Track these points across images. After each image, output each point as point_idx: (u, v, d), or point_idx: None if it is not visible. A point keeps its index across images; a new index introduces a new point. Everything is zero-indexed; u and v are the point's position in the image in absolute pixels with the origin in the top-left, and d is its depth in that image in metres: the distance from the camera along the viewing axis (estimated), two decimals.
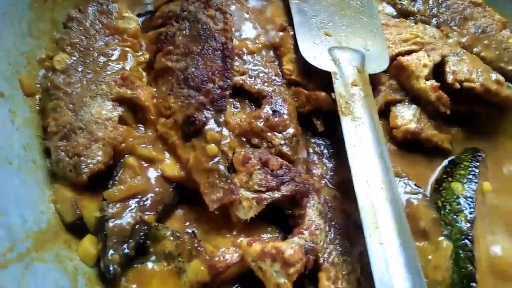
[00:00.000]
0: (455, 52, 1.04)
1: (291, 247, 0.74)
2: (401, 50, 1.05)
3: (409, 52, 1.05)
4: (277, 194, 0.79)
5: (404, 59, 1.03)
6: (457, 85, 0.99)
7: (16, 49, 0.86)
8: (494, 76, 1.02)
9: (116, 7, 0.99)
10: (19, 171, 0.77)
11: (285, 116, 0.94)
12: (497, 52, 1.12)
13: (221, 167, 0.81)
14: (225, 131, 0.90)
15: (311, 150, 0.97)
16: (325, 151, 0.96)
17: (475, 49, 1.11)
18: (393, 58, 1.04)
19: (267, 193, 0.79)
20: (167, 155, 0.85)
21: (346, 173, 0.86)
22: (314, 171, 0.93)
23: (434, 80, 1.01)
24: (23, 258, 0.69)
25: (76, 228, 0.79)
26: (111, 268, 0.73)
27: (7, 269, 0.65)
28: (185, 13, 0.98)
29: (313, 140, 0.99)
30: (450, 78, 0.99)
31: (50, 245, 0.76)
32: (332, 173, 0.92)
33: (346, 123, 0.87)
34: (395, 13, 1.20)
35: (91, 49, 0.91)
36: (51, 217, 0.78)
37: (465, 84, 0.99)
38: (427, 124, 1.01)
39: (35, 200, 0.78)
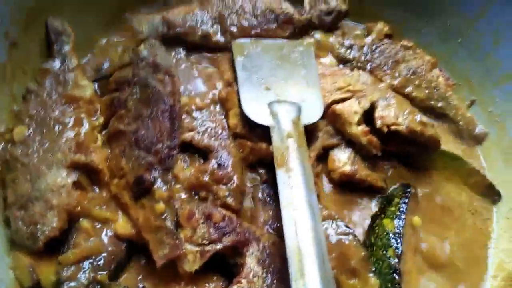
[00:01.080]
0: (384, 97, 1.11)
1: None
2: (335, 98, 1.12)
3: (342, 100, 1.12)
4: (219, 246, 0.85)
5: (338, 107, 1.10)
6: (385, 129, 1.06)
7: None
8: (419, 117, 1.09)
9: (72, 77, 1.03)
10: None
11: (229, 169, 0.99)
12: (427, 91, 1.20)
13: (168, 223, 0.86)
14: (177, 186, 0.95)
15: (258, 197, 1.01)
16: (268, 198, 1.01)
17: (407, 90, 1.19)
18: (328, 106, 1.11)
19: (210, 245, 0.85)
20: (119, 214, 0.90)
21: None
22: (258, 218, 0.97)
23: (365, 125, 1.08)
24: None
25: None
26: None
27: None
28: (135, 78, 1.03)
29: (260, 188, 1.03)
30: (378, 123, 1.07)
31: None
32: (274, 219, 0.97)
33: (280, 175, 0.92)
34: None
35: (48, 119, 0.96)
36: (10, 284, 0.81)
37: (393, 127, 1.06)
38: (361, 165, 1.07)
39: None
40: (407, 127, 1.06)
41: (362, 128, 1.07)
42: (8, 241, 0.86)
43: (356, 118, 1.08)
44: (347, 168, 1.05)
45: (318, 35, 1.24)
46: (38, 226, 0.83)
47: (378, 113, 1.08)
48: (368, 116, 1.09)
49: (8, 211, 0.86)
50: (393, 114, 1.08)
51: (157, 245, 0.83)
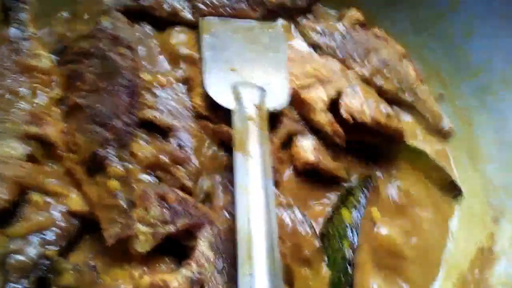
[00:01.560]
0: (351, 86, 1.17)
1: (176, 280, 0.84)
2: (302, 83, 1.17)
3: (309, 86, 1.17)
4: (172, 228, 0.89)
5: (304, 94, 1.14)
6: (350, 119, 1.12)
7: None
8: (384, 109, 1.15)
9: (28, 45, 1.05)
10: None
11: (189, 150, 1.03)
12: (397, 82, 1.27)
13: (121, 202, 0.89)
14: (134, 164, 0.99)
15: (218, 181, 1.05)
16: (228, 183, 1.04)
17: (377, 81, 1.25)
18: (295, 91, 1.16)
19: (163, 226, 0.89)
20: (73, 190, 0.92)
21: None
22: (216, 202, 1.02)
23: (330, 114, 1.13)
24: None
25: None
26: None
27: None
28: (94, 50, 1.05)
29: (222, 173, 1.07)
30: (343, 112, 1.12)
31: None
32: (232, 204, 1.00)
33: (237, 158, 0.96)
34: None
35: (0, 87, 0.98)
36: None
37: (358, 118, 1.12)
38: (325, 155, 1.13)
39: None
40: (372, 118, 1.11)
41: (328, 116, 1.12)
42: None
43: (322, 105, 1.13)
44: (311, 157, 1.10)
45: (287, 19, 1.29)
46: None
47: (343, 102, 1.13)
48: (334, 105, 1.15)
49: None
50: (359, 103, 1.13)
51: (109, 223, 0.86)
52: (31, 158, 0.94)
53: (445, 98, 1.33)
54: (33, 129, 0.95)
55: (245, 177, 0.92)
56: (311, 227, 1.00)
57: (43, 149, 0.96)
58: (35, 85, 1.02)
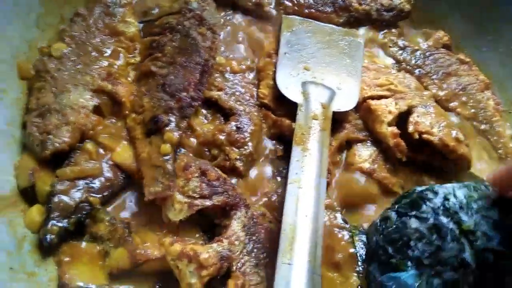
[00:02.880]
0: (424, 105, 1.07)
1: (207, 252, 0.79)
2: (373, 93, 1.09)
3: (380, 97, 1.08)
4: (208, 202, 0.85)
5: (373, 103, 1.06)
6: (416, 136, 1.02)
7: (21, 37, 0.95)
8: (455, 133, 1.03)
9: (121, 11, 1.08)
10: None
11: (246, 134, 0.99)
12: (473, 111, 1.14)
13: (169, 166, 0.87)
14: (190, 138, 0.97)
15: (267, 169, 1.00)
16: (277, 173, 1.00)
17: (451, 104, 1.14)
18: (364, 100, 1.08)
19: (199, 200, 0.85)
20: (120, 145, 0.92)
21: (283, 197, 0.90)
22: (260, 189, 0.96)
23: (395, 127, 1.04)
24: None
25: (27, 195, 0.86)
26: (48, 237, 0.80)
27: None
28: (179, 26, 1.05)
29: (273, 161, 1.02)
30: (410, 127, 1.02)
31: (8, 210, 0.84)
32: (275, 194, 0.96)
33: (295, 152, 0.92)
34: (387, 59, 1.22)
35: (88, 43, 1.00)
36: (15, 187, 0.86)
37: (425, 136, 1.02)
38: (381, 166, 1.04)
39: (4, 168, 0.87)
40: (440, 139, 1.01)
41: (392, 129, 1.03)
42: (21, 146, 0.90)
43: (390, 118, 1.04)
44: (366, 165, 1.02)
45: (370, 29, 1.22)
46: (50, 136, 0.86)
47: (413, 118, 1.04)
48: (401, 121, 1.05)
49: (27, 116, 0.90)
50: (429, 123, 1.03)
51: (152, 181, 0.84)
52: (97, 111, 0.94)
53: None
54: (107, 86, 0.96)
55: (299, 172, 0.87)
56: (349, 232, 0.91)
57: (111, 105, 0.97)
58: (119, 48, 1.04)
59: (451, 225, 0.81)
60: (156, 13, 1.11)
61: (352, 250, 0.88)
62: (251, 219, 0.86)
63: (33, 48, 0.98)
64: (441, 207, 0.84)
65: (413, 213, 0.85)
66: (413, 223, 0.84)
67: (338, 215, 0.93)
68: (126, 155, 0.90)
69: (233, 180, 0.95)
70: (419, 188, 0.89)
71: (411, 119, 1.04)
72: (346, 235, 0.90)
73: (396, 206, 0.89)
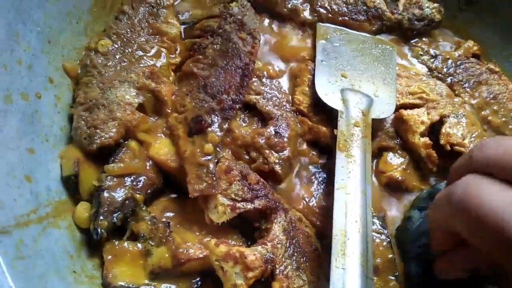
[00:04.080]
0: (456, 114, 1.05)
1: (253, 254, 0.77)
2: (405, 101, 1.07)
3: (412, 106, 1.06)
4: (250, 206, 0.82)
5: (405, 113, 1.04)
6: (448, 148, 1.00)
7: (71, 44, 0.93)
8: None
9: (164, 12, 1.05)
10: (53, 148, 0.84)
11: (285, 139, 0.97)
12: (504, 119, 1.12)
13: (211, 165, 0.85)
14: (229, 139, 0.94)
15: (303, 175, 0.98)
16: (313, 178, 0.98)
17: (483, 112, 1.12)
18: (396, 109, 1.06)
19: (242, 203, 0.82)
20: (159, 140, 0.90)
21: (321, 202, 0.92)
22: (296, 194, 0.94)
23: (427, 138, 1.02)
24: (42, 221, 0.75)
25: (69, 184, 0.84)
26: (99, 230, 0.78)
27: (28, 228, 0.71)
28: (220, 30, 1.03)
29: (308, 168, 1.00)
30: (442, 140, 1.01)
31: (66, 214, 0.82)
32: (312, 198, 0.94)
33: (340, 159, 0.90)
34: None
35: (133, 42, 0.98)
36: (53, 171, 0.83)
37: (456, 148, 1.00)
38: (412, 175, 1.02)
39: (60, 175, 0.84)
40: None
41: (425, 140, 1.01)
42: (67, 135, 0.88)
43: (422, 128, 1.02)
44: (397, 174, 1.00)
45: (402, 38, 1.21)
46: (97, 131, 0.84)
47: (445, 129, 1.02)
48: (433, 128, 1.04)
49: (74, 109, 0.87)
50: (461, 134, 1.01)
51: (196, 178, 0.82)
52: (141, 109, 0.92)
53: None
54: (150, 84, 0.93)
55: (346, 178, 0.85)
56: (387, 237, 0.90)
57: (154, 104, 0.94)
58: (161, 48, 1.01)
59: None
60: (197, 16, 1.09)
61: (390, 255, 0.87)
62: (290, 223, 0.84)
63: (82, 55, 0.96)
64: None
65: None
66: None
67: (376, 220, 0.91)
68: (163, 151, 0.87)
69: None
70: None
71: (443, 130, 1.02)
72: (384, 240, 0.88)
73: (415, 205, 0.92)
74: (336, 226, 0.78)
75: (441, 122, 1.03)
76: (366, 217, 0.81)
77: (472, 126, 1.03)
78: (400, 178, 0.99)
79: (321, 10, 1.17)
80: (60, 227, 0.78)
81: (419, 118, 1.03)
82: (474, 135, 1.01)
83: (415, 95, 1.07)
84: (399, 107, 1.06)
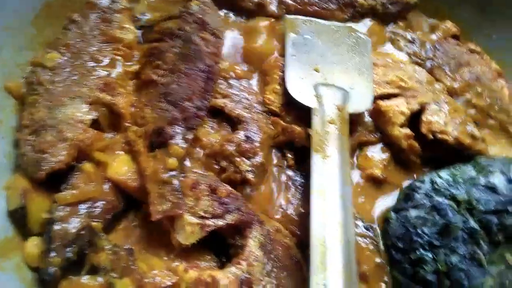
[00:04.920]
0: (437, 101, 0.97)
1: (227, 277, 0.68)
2: (383, 92, 0.98)
3: (390, 96, 0.98)
4: (221, 222, 0.74)
5: (383, 104, 0.96)
6: (430, 136, 0.93)
7: (13, 60, 0.85)
8: (470, 129, 0.95)
9: (118, 17, 0.96)
10: None
11: (257, 144, 0.88)
12: (489, 101, 1.04)
13: (175, 182, 0.76)
14: (197, 150, 0.85)
15: (280, 180, 0.89)
16: (290, 183, 0.89)
17: (467, 95, 1.04)
18: (374, 100, 0.97)
19: (212, 220, 0.74)
20: (117, 159, 0.80)
21: (300, 209, 0.83)
22: (274, 201, 0.86)
23: (408, 129, 0.94)
24: None
25: (16, 218, 0.75)
26: (50, 270, 0.69)
27: None
28: (180, 32, 0.94)
29: (284, 171, 0.91)
30: (424, 128, 0.93)
31: (14, 253, 0.73)
32: (290, 205, 0.85)
33: (316, 161, 0.82)
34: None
35: (84, 52, 0.89)
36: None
37: (439, 136, 0.93)
38: (393, 170, 0.95)
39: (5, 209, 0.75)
40: (455, 138, 0.92)
41: (406, 131, 0.93)
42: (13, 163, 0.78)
43: (402, 119, 0.94)
44: (377, 171, 0.92)
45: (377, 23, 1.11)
46: (45, 155, 0.75)
47: (426, 117, 0.94)
48: (414, 117, 0.95)
49: (20, 133, 0.78)
50: (443, 121, 0.93)
51: (158, 198, 0.73)
52: (96, 125, 0.83)
53: None
54: (106, 97, 0.84)
55: (323, 182, 0.78)
56: (373, 240, 0.83)
57: (110, 118, 0.85)
58: (117, 56, 0.92)
59: (446, 201, 0.83)
60: (155, 18, 0.99)
61: (378, 259, 0.80)
62: (267, 237, 0.76)
63: (26, 72, 0.87)
64: (432, 190, 0.86)
65: (409, 204, 0.86)
66: (413, 213, 0.84)
67: (360, 223, 0.83)
68: (122, 170, 0.78)
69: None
70: (405, 184, 0.91)
71: (423, 118, 0.94)
72: (370, 244, 0.80)
73: (392, 207, 0.88)
74: (314, 236, 0.71)
75: (421, 110, 0.95)
76: (347, 223, 0.73)
77: (454, 112, 0.95)
78: (381, 175, 0.92)
79: (289, 1, 1.08)
80: (5, 269, 0.68)
81: (398, 108, 0.95)
82: (457, 122, 0.93)
83: (393, 84, 0.98)
84: (377, 98, 0.97)
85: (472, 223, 0.80)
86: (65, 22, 0.91)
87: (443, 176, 0.87)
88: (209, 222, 0.73)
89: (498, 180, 0.84)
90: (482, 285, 0.78)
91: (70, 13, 0.92)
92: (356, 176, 0.93)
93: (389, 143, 0.96)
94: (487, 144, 0.97)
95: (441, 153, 0.95)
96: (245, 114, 0.92)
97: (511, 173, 0.85)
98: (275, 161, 0.91)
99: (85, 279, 0.69)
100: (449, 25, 1.12)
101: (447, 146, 0.93)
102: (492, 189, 0.83)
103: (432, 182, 0.87)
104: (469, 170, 0.88)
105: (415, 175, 0.95)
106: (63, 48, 0.87)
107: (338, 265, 0.68)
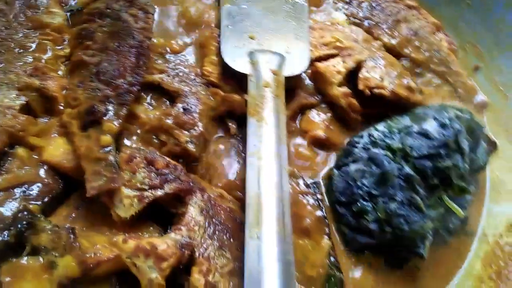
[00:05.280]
0: (373, 57, 0.98)
1: (165, 242, 0.69)
2: (320, 53, 1.00)
3: (327, 57, 0.99)
4: (159, 192, 0.74)
5: (320, 65, 0.97)
6: (368, 92, 0.94)
7: None
8: (406, 81, 0.96)
9: (44, 3, 0.94)
10: None
11: (195, 115, 0.88)
12: (428, 54, 1.06)
13: (111, 157, 0.75)
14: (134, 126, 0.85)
15: (221, 149, 0.90)
16: (233, 152, 0.89)
17: (405, 50, 1.05)
18: (312, 62, 0.98)
19: (150, 191, 0.74)
20: (53, 142, 0.79)
21: (242, 174, 0.82)
22: (216, 169, 0.86)
23: (346, 87, 0.95)
24: None
25: None
26: None
27: None
28: (108, 10, 0.93)
29: (227, 140, 0.91)
30: (360, 84, 0.94)
31: None
32: (232, 173, 0.86)
33: (251, 124, 0.83)
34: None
35: (9, 39, 0.87)
36: None
37: (376, 90, 0.94)
38: (336, 129, 0.96)
39: None
40: (391, 91, 0.93)
41: (344, 90, 0.95)
42: None
43: (339, 78, 0.95)
44: (320, 133, 0.94)
45: None
46: None
47: (362, 74, 0.95)
48: (353, 76, 0.97)
49: None
50: (379, 76, 0.95)
51: (93, 175, 0.72)
52: (28, 111, 0.81)
53: (482, 70, 1.10)
54: (35, 82, 0.83)
55: (258, 143, 0.79)
56: (314, 195, 0.83)
57: (43, 103, 0.84)
58: (45, 41, 0.91)
59: (382, 151, 0.85)
60: (84, 1, 0.98)
61: (319, 213, 0.81)
62: (208, 202, 0.76)
63: None
64: (369, 143, 0.88)
65: (349, 159, 0.88)
66: (352, 167, 0.86)
67: (300, 181, 0.85)
68: (58, 152, 0.77)
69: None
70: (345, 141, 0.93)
71: (360, 75, 0.96)
72: (310, 199, 0.82)
73: (334, 164, 0.91)
74: (250, 193, 0.73)
75: (358, 68, 0.96)
76: (282, 180, 0.74)
77: (391, 66, 0.96)
78: (324, 135, 0.93)
79: None
80: None
81: (335, 68, 0.96)
82: (393, 75, 0.95)
83: (329, 45, 1.00)
84: (314, 60, 0.98)
85: (407, 170, 0.82)
86: None
87: (379, 128, 0.89)
88: (147, 193, 0.73)
89: (430, 125, 0.86)
90: (422, 228, 0.80)
91: None
92: (300, 140, 0.95)
93: (330, 103, 0.97)
94: (425, 94, 0.99)
95: (382, 108, 0.97)
96: (183, 88, 0.92)
97: (444, 118, 0.87)
98: (218, 132, 0.92)
99: (25, 260, 0.69)
100: None
101: (385, 100, 0.94)
102: (425, 135, 0.85)
103: (370, 136, 0.88)
104: (404, 121, 0.89)
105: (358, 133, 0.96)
106: None
107: (272, 221, 0.69)
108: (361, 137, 0.90)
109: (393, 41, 1.05)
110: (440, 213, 0.83)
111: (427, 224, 0.80)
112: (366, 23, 1.08)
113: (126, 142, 0.83)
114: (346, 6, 1.11)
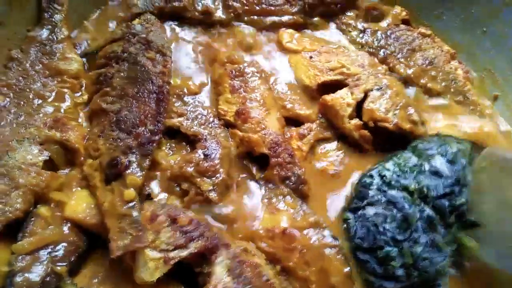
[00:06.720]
0: (379, 85, 0.97)
1: None
2: (326, 79, 0.99)
3: (334, 82, 0.98)
4: (185, 252, 0.73)
5: (328, 98, 0.96)
6: (372, 124, 0.93)
7: None
8: (410, 113, 0.95)
9: (60, 48, 0.93)
10: None
11: (216, 161, 0.87)
12: (444, 84, 1.05)
13: (135, 213, 0.75)
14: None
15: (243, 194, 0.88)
16: (253, 196, 0.88)
17: (422, 81, 1.04)
18: (319, 87, 0.99)
19: (175, 251, 0.72)
20: (74, 197, 0.79)
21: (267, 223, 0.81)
22: (240, 218, 0.85)
23: (357, 119, 0.95)
24: None
25: None
26: None
27: None
28: (125, 54, 0.92)
29: (248, 184, 0.89)
30: (365, 116, 0.94)
31: None
32: (255, 221, 0.84)
33: None
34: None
35: (28, 90, 0.86)
36: None
37: (380, 123, 0.93)
38: (348, 163, 0.95)
39: None
40: (395, 124, 0.92)
41: (355, 122, 0.94)
42: None
43: (349, 110, 0.94)
44: (331, 168, 0.93)
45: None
46: (0, 206, 0.74)
47: (367, 105, 0.94)
48: (361, 104, 0.96)
49: None
50: (384, 108, 0.94)
51: (118, 233, 0.72)
52: (50, 165, 0.81)
53: (501, 98, 1.08)
54: (56, 134, 0.83)
55: None
56: (341, 249, 0.81)
57: (64, 155, 0.84)
58: (64, 89, 0.91)
59: (400, 193, 0.83)
60: (98, 43, 0.97)
61: (346, 269, 0.79)
62: (234, 260, 0.75)
63: None
64: (383, 184, 0.85)
65: (365, 202, 0.85)
66: (370, 210, 0.84)
67: (327, 232, 0.82)
68: (81, 208, 0.77)
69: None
70: (354, 182, 0.90)
71: (365, 106, 0.95)
72: (337, 253, 0.80)
73: (348, 207, 0.87)
74: None
75: (365, 98, 0.96)
76: None
77: (396, 96, 0.95)
78: (334, 172, 0.93)
79: (235, 4, 1.06)
80: None
81: (344, 100, 0.95)
82: (398, 106, 0.94)
83: (335, 70, 0.99)
84: (321, 85, 0.98)
85: (428, 211, 0.81)
86: (5, 61, 0.88)
87: (390, 167, 0.87)
88: (172, 254, 0.72)
89: (439, 163, 0.85)
90: (444, 266, 0.80)
91: (8, 50, 0.89)
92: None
93: (343, 136, 0.96)
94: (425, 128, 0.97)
95: (385, 137, 0.95)
96: (201, 131, 0.91)
97: (448, 154, 0.87)
98: (240, 174, 0.90)
99: None
100: (398, 10, 1.12)
101: (389, 132, 0.94)
102: (437, 173, 0.84)
103: (381, 176, 0.87)
104: (409, 157, 0.88)
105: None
106: (5, 89, 0.84)
107: None
108: (372, 177, 0.87)
109: (409, 71, 1.04)
110: (453, 249, 0.83)
111: (447, 262, 0.81)
112: (381, 52, 1.07)
113: (148, 190, 0.83)
114: (361, 35, 1.10)
